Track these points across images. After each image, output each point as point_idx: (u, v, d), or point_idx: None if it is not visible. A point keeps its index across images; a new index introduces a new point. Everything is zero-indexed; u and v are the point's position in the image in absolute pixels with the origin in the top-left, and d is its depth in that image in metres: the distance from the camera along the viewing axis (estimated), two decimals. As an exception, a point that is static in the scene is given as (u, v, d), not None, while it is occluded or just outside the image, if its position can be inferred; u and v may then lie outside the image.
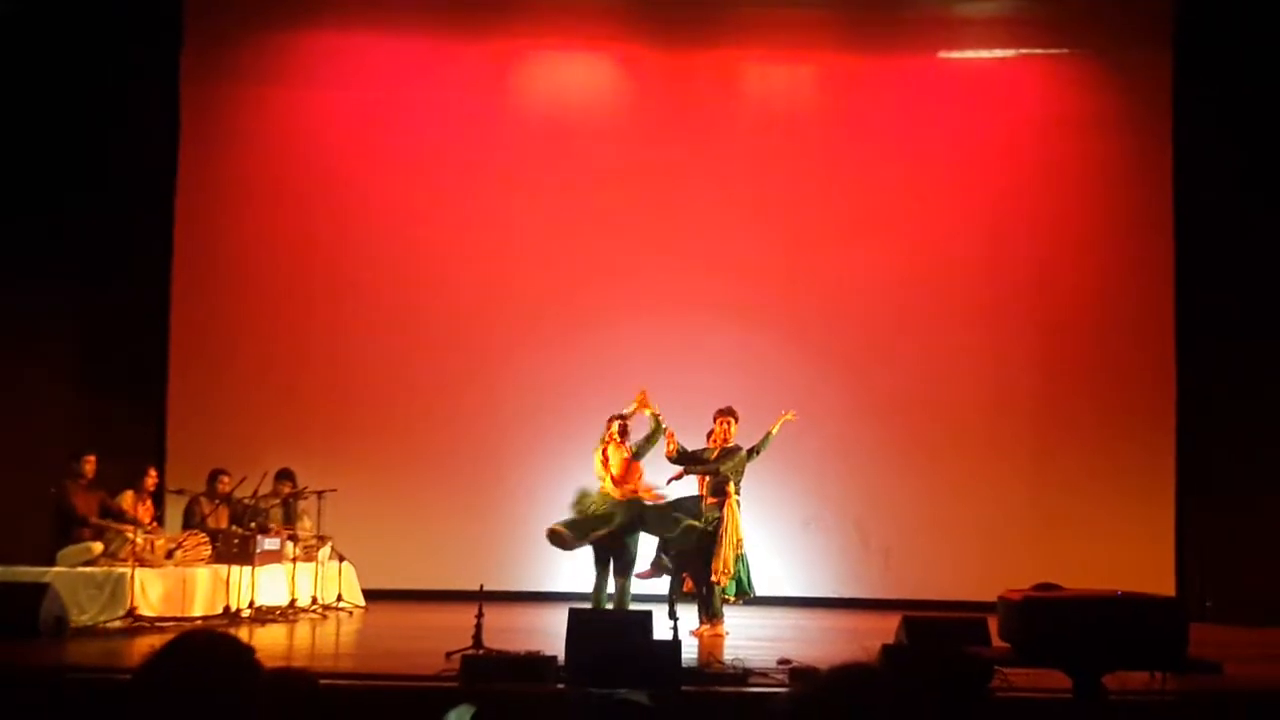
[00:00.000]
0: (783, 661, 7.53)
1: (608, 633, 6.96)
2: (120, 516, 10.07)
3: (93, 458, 10.17)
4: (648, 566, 9.68)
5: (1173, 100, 12.39)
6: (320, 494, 10.91)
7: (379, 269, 12.54)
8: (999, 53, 12.93)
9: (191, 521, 10.61)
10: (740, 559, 9.47)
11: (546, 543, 9.34)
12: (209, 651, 2.34)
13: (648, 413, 9.53)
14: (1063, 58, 12.87)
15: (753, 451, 9.75)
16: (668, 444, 9.64)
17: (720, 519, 9.44)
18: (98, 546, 9.70)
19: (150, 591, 9.32)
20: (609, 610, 8.93)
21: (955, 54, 12.97)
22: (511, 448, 12.08)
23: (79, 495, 9.99)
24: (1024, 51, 12.92)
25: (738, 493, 9.58)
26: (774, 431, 9.80)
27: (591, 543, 9.29)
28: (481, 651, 7.48)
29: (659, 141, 12.77)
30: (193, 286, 12.49)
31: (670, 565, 9.61)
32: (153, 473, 10.74)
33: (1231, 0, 12.01)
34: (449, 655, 7.39)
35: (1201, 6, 12.16)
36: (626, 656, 6.58)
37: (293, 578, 10.48)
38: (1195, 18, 12.17)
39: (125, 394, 12.03)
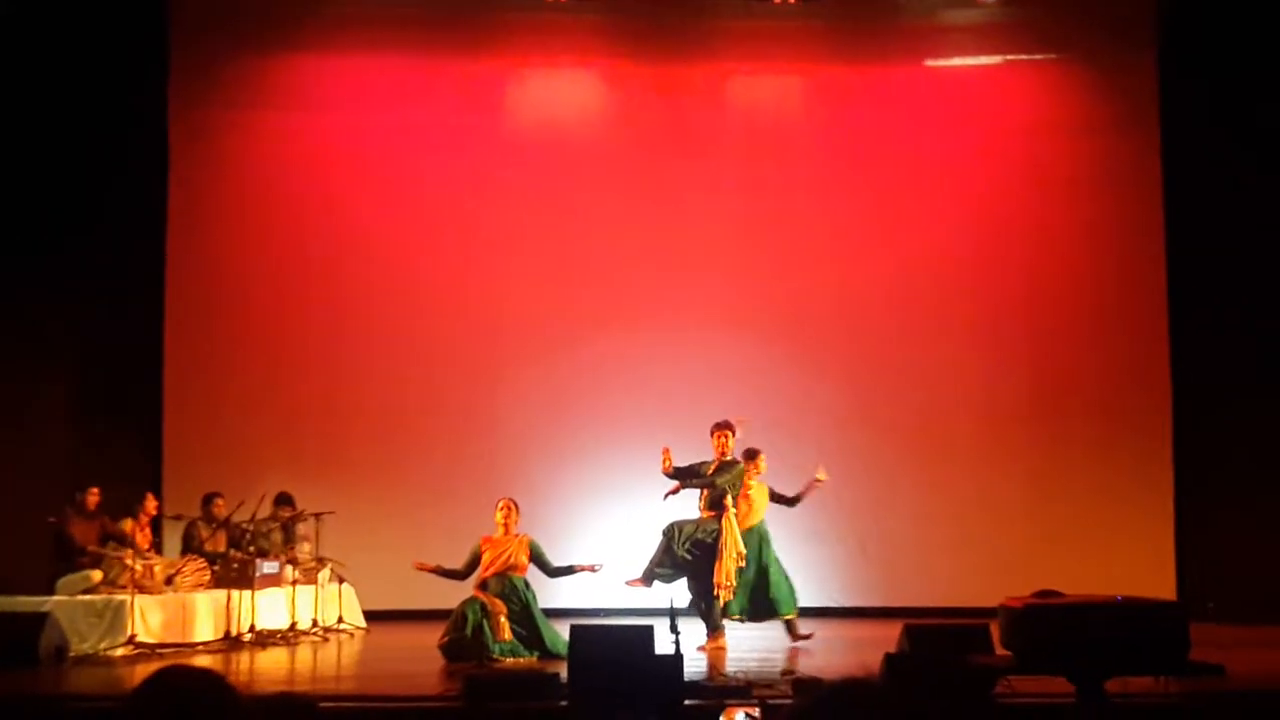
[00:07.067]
0: (786, 673, 7.52)
1: (610, 648, 6.94)
2: (121, 541, 10.06)
3: (95, 490, 10.18)
4: (638, 575, 9.68)
5: (1160, 102, 12.43)
6: (318, 516, 10.91)
7: (372, 290, 12.51)
8: (985, 60, 12.96)
9: (190, 547, 10.62)
10: (740, 572, 9.47)
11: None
12: (185, 688, 2.33)
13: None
14: (1049, 63, 12.90)
15: (779, 499, 9.97)
16: (663, 461, 9.66)
17: (719, 531, 9.46)
18: (97, 575, 9.69)
19: (150, 618, 9.30)
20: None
21: (942, 62, 13.00)
22: (509, 466, 12.04)
23: (78, 524, 9.99)
24: (1010, 58, 12.95)
25: (735, 506, 9.59)
26: (803, 495, 10.04)
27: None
28: (484, 669, 7.48)
29: (649, 156, 12.78)
30: (186, 312, 12.44)
31: (664, 576, 9.60)
32: (151, 499, 10.72)
33: (1214, 0, 12.07)
34: (451, 674, 7.38)
35: (1184, 8, 12.19)
36: (629, 672, 6.57)
37: (293, 601, 10.47)
38: (1178, 19, 12.21)
39: (121, 422, 11.96)
